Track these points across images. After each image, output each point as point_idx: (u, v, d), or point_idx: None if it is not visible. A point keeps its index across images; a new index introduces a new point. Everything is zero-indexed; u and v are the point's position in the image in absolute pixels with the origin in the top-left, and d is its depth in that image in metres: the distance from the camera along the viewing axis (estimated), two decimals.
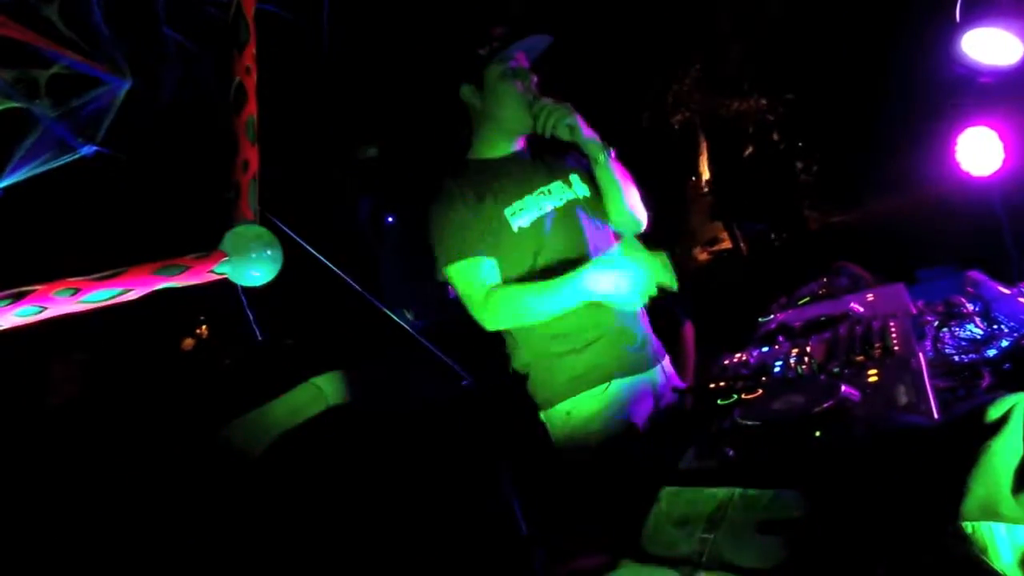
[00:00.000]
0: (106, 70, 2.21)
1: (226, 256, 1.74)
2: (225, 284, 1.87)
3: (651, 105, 9.33)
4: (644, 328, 1.92)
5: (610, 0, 6.92)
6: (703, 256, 10.85)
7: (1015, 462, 0.66)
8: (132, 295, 1.53)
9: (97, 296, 1.47)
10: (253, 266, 1.80)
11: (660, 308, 1.96)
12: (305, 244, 2.11)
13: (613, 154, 1.82)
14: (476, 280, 1.74)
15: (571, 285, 1.66)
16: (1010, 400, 0.73)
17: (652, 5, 7.30)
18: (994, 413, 0.72)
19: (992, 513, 0.61)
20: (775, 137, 9.35)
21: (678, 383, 1.92)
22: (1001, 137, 2.42)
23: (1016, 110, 2.60)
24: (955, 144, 2.50)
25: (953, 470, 0.66)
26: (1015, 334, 1.25)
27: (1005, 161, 2.43)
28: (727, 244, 10.32)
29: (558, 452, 1.84)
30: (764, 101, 9.08)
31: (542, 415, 1.86)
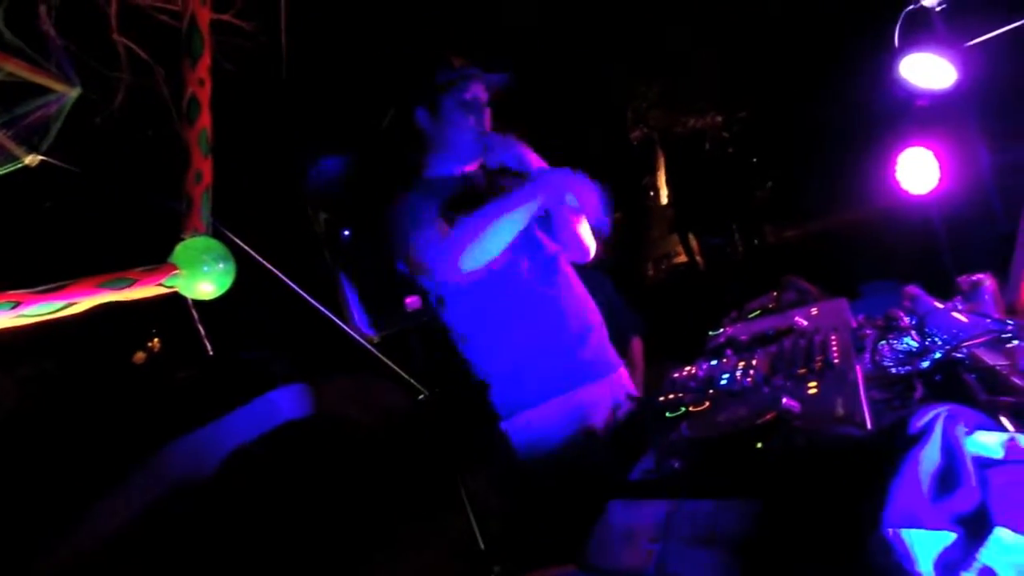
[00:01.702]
0: (54, 78, 2.16)
1: (176, 269, 1.70)
2: (177, 298, 1.83)
3: (610, 122, 9.51)
4: (600, 337, 1.95)
5: (571, 20, 7.05)
6: (660, 270, 11.03)
7: (934, 470, 0.70)
8: (75, 309, 1.48)
9: (38, 309, 1.42)
10: (205, 280, 1.76)
11: (608, 324, 1.99)
12: (259, 257, 2.08)
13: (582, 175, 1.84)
14: (435, 230, 1.73)
15: (527, 190, 1.69)
16: (932, 412, 0.77)
17: (611, 25, 7.46)
18: (917, 423, 0.75)
19: (912, 520, 0.64)
20: (730, 151, 9.60)
21: (633, 392, 1.95)
22: (937, 157, 2.52)
23: (951, 131, 2.72)
24: (895, 164, 2.59)
25: (878, 479, 0.69)
26: (947, 347, 1.31)
27: (941, 180, 2.53)
28: (683, 258, 10.50)
29: (519, 463, 1.85)
30: (720, 119, 9.32)
31: (503, 425, 1.88)
